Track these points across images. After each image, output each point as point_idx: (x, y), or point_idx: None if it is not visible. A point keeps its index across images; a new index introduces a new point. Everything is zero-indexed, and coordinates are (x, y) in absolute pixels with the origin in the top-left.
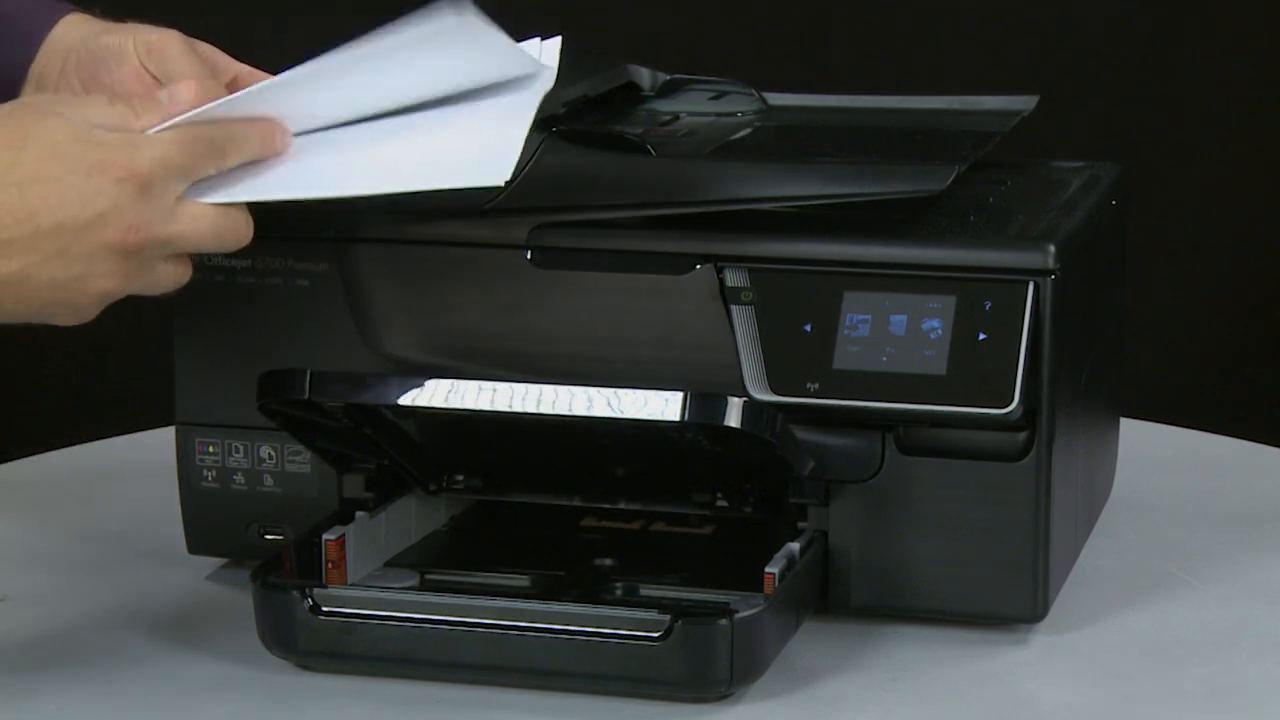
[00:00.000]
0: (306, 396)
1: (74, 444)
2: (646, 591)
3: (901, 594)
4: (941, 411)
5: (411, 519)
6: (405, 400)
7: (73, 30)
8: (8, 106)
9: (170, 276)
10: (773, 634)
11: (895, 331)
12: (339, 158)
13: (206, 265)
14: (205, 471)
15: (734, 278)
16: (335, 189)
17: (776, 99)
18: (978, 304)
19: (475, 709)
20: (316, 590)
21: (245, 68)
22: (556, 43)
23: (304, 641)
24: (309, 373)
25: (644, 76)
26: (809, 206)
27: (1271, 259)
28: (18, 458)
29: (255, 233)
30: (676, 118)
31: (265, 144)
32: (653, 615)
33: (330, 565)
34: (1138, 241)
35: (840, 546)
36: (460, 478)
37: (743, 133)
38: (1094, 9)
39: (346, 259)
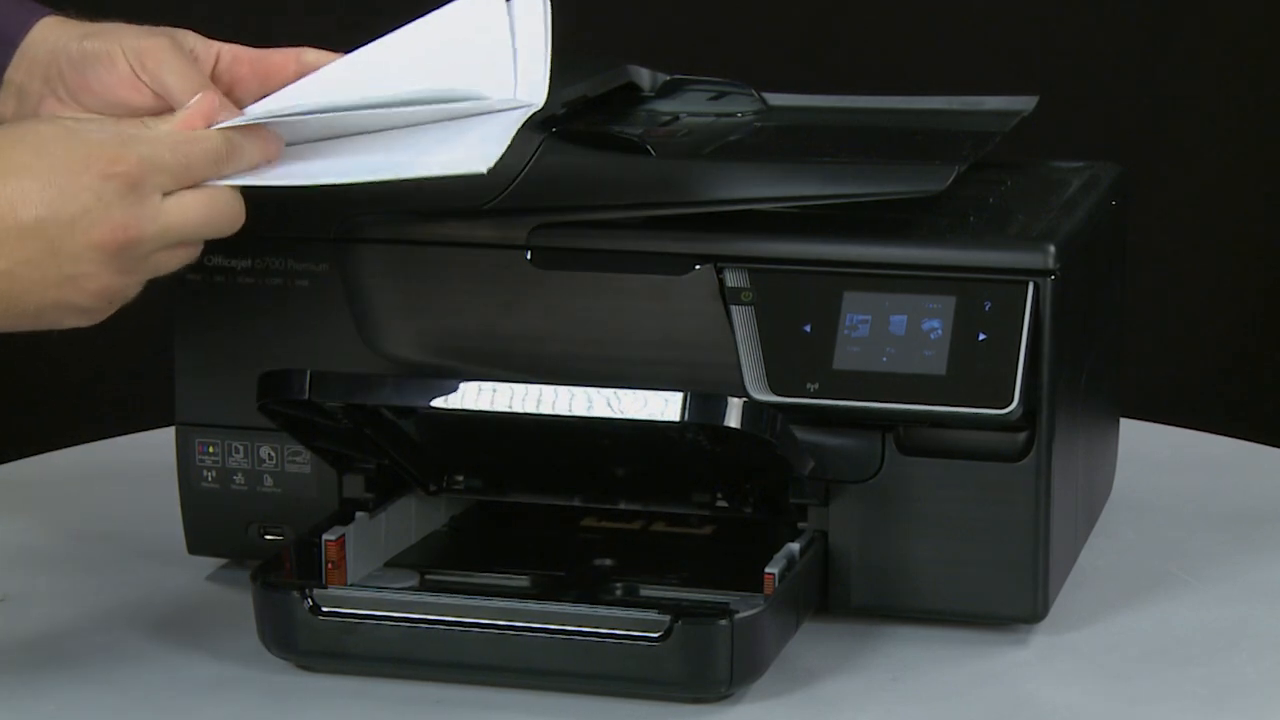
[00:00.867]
0: (306, 397)
1: (74, 444)
2: (646, 592)
3: (901, 594)
4: (941, 412)
5: (411, 519)
6: (405, 400)
7: (50, 35)
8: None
9: (174, 260)
10: (773, 634)
11: (895, 332)
12: (330, 146)
13: (206, 266)
14: (205, 472)
15: (734, 278)
16: (326, 177)
17: (776, 99)
18: (978, 304)
19: (475, 709)
20: (316, 590)
21: (226, 46)
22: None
23: (304, 642)
24: (309, 373)
25: (644, 77)
26: (809, 206)
27: (1271, 259)
28: (18, 458)
29: (255, 233)
30: (676, 118)
31: (264, 154)
32: (653, 615)
33: (330, 565)
34: (1138, 241)
35: (840, 547)
36: (460, 478)
37: (742, 133)
38: (1094, 9)
39: (346, 259)
